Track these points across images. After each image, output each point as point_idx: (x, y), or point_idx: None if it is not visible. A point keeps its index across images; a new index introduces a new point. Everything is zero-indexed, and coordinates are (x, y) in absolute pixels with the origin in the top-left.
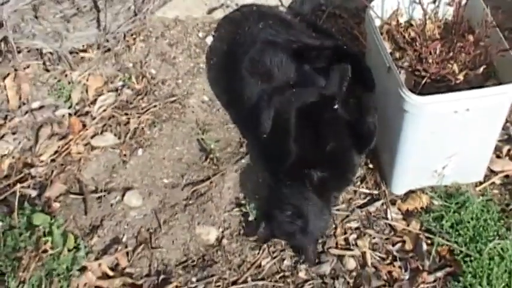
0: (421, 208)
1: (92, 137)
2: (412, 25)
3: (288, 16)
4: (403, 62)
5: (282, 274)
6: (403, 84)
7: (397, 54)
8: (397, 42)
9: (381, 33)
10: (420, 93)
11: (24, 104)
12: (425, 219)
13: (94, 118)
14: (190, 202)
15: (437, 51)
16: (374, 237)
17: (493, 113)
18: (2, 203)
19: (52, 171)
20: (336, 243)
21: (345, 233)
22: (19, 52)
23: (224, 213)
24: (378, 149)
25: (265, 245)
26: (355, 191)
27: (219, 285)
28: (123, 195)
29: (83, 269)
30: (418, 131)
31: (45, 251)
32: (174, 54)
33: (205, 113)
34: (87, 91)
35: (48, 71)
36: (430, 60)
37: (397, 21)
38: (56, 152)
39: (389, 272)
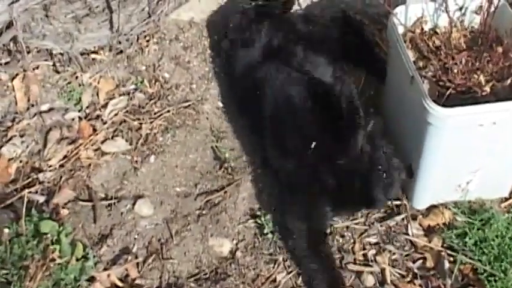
0: (444, 224)
1: (102, 142)
2: (437, 33)
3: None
4: (427, 72)
5: None
6: (426, 95)
7: (421, 64)
8: (420, 50)
9: (404, 41)
10: (444, 105)
11: (32, 106)
12: (447, 235)
13: (105, 122)
14: (203, 212)
15: (463, 62)
16: (394, 254)
17: None
18: (9, 208)
19: (61, 177)
20: (354, 259)
21: (364, 249)
22: (28, 52)
23: (238, 225)
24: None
25: (280, 259)
26: None
27: None
28: (133, 204)
29: (92, 280)
30: (441, 144)
31: (52, 259)
32: (189, 58)
33: (220, 120)
34: (98, 94)
35: (58, 72)
36: (456, 71)
37: (422, 28)
38: (65, 156)
39: None
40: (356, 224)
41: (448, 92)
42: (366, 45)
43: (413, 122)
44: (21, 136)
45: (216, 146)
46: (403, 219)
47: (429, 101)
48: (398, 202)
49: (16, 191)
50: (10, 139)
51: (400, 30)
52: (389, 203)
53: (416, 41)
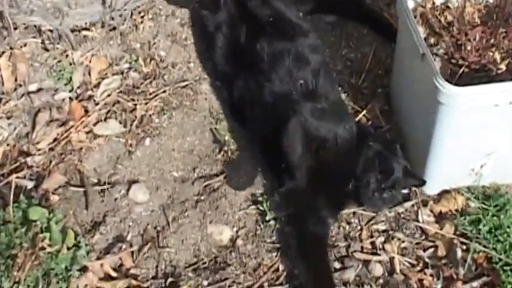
0: (456, 210)
1: (94, 124)
2: (449, 8)
3: None
4: (439, 49)
5: None
6: (438, 73)
7: (432, 40)
8: (432, 26)
9: (414, 17)
10: (457, 84)
11: (20, 86)
12: (460, 222)
13: (97, 103)
14: (201, 198)
15: (477, 38)
16: (403, 241)
17: None
18: None
19: (50, 161)
20: (362, 247)
21: (371, 236)
22: (15, 29)
23: (239, 211)
24: (408, 145)
25: (283, 248)
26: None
27: None
28: (128, 189)
29: (84, 269)
30: (453, 125)
31: (42, 248)
32: (186, 35)
33: (219, 100)
34: (89, 73)
35: (47, 50)
36: (469, 48)
37: (433, 3)
38: (54, 139)
39: (420, 280)
40: (363, 210)
41: (461, 70)
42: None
43: (423, 102)
44: (8, 118)
45: (215, 128)
46: (413, 205)
47: (441, 80)
48: (407, 191)
49: (3, 176)
50: None
51: (410, 4)
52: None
53: (427, 16)
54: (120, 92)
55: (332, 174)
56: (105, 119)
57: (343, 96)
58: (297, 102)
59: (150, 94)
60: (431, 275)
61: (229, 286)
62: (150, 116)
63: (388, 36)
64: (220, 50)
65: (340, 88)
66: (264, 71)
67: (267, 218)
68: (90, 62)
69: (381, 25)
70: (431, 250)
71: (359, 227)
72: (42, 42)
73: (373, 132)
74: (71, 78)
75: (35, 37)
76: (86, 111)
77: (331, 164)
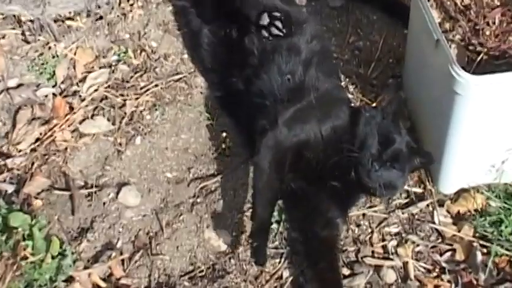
0: (475, 210)
1: (80, 122)
2: None
3: None
4: (455, 35)
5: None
6: (454, 61)
7: (447, 25)
8: (447, 10)
9: (428, 0)
10: (475, 73)
11: None
12: (480, 223)
13: (83, 99)
14: (198, 201)
15: (497, 21)
16: (418, 245)
17: None
18: None
19: (32, 163)
20: (372, 252)
21: (383, 240)
22: None
23: (238, 215)
24: (422, 139)
25: (286, 253)
26: None
27: None
28: (117, 192)
29: (70, 280)
30: (471, 117)
31: (24, 257)
32: (179, 24)
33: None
34: (74, 67)
35: (27, 42)
36: (488, 32)
37: None
38: (37, 139)
39: (437, 287)
40: (374, 211)
41: (479, 58)
42: None
43: (438, 92)
44: None
45: (212, 125)
46: (428, 205)
47: (457, 68)
48: (421, 190)
49: None
50: None
51: None
52: (407, 187)
53: None
54: (108, 86)
55: (328, 170)
56: (92, 116)
57: (350, 86)
58: (279, 105)
59: (141, 88)
60: (448, 281)
61: None
62: (141, 112)
63: (401, 17)
64: (208, 48)
65: (342, 76)
66: (253, 66)
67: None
68: (75, 54)
69: (392, 5)
70: (448, 254)
71: (369, 230)
72: (22, 34)
73: (366, 111)
74: (54, 72)
75: (14, 28)
76: (71, 108)
77: (323, 161)
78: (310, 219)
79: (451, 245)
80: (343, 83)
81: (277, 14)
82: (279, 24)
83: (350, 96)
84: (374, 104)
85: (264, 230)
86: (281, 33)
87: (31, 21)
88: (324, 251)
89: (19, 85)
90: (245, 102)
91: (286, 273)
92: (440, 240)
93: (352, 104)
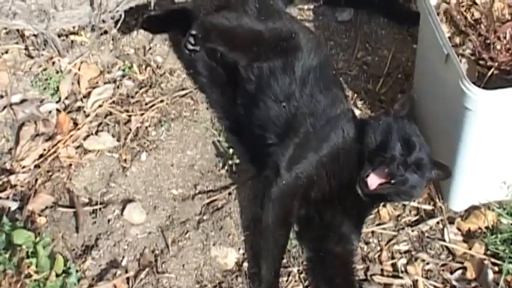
0: (486, 228)
1: (84, 139)
2: (475, 4)
3: None
4: (465, 49)
5: None
6: (464, 76)
7: (457, 40)
8: (457, 25)
9: (438, 14)
10: (485, 87)
11: (1, 97)
12: (491, 241)
13: (87, 115)
14: (204, 218)
15: (508, 36)
16: (428, 263)
17: None
18: None
19: (36, 180)
20: (382, 270)
21: (393, 258)
22: None
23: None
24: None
25: (295, 271)
26: (404, 206)
27: None
28: (122, 209)
29: None
30: (482, 133)
31: (28, 275)
32: None
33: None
34: (78, 82)
35: (31, 57)
36: (499, 47)
37: None
38: (41, 156)
39: None
40: (383, 229)
41: (489, 72)
42: None
43: (448, 108)
44: None
45: (218, 141)
46: (438, 222)
47: (467, 83)
48: (431, 207)
49: None
50: None
51: (433, 1)
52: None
53: (452, 13)
54: (113, 102)
55: (335, 191)
56: (97, 132)
57: (359, 102)
58: (278, 145)
59: (146, 104)
60: None
61: None
62: (146, 128)
63: (409, 24)
64: (206, 73)
65: (351, 92)
66: (251, 94)
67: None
68: (79, 69)
69: (400, 12)
70: (459, 272)
71: (378, 248)
72: (26, 49)
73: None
74: (58, 87)
75: (17, 43)
76: (75, 124)
77: (329, 186)
78: (323, 236)
79: (462, 263)
80: (351, 99)
81: (193, 32)
82: (191, 39)
83: (358, 112)
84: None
85: None
86: (196, 48)
87: (35, 35)
88: (339, 267)
89: (22, 101)
90: (247, 127)
91: None
92: (450, 258)
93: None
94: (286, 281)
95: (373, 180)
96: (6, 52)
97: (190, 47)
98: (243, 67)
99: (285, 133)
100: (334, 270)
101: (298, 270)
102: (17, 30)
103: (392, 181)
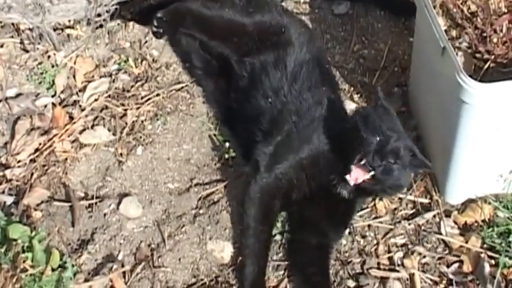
0: (483, 221)
1: (80, 133)
2: None
3: None
4: (461, 42)
5: None
6: (461, 69)
7: (454, 33)
8: (453, 18)
9: (434, 7)
10: (482, 80)
11: None
12: (487, 234)
13: (83, 109)
14: (200, 212)
15: (504, 29)
16: (424, 256)
17: None
18: None
19: (32, 174)
20: (378, 264)
21: (389, 251)
22: None
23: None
24: (428, 149)
25: (289, 264)
26: (400, 200)
27: None
28: (118, 203)
29: None
30: (479, 126)
31: (24, 270)
32: None
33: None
34: (74, 76)
35: (26, 51)
36: (495, 40)
37: None
38: (36, 150)
39: None
40: (380, 222)
41: (486, 65)
42: None
43: (445, 101)
44: None
45: (214, 135)
46: (434, 216)
47: (464, 76)
48: (427, 201)
49: None
50: None
51: None
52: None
53: (448, 6)
54: (109, 96)
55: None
56: (92, 126)
57: (355, 96)
58: (260, 143)
59: (142, 98)
60: None
61: None
62: (142, 122)
63: (405, 13)
64: (201, 66)
65: (347, 86)
66: (243, 89)
67: (272, 233)
68: (74, 63)
69: (395, 2)
70: (455, 265)
71: (375, 241)
72: (21, 42)
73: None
74: (53, 81)
75: (12, 36)
76: (71, 118)
77: (309, 185)
78: (301, 228)
79: (459, 256)
80: (347, 92)
81: (158, 15)
82: (155, 22)
83: (354, 106)
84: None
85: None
86: (159, 31)
87: (30, 29)
88: (314, 258)
89: (18, 95)
90: (240, 121)
91: (289, 286)
92: (447, 251)
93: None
94: (282, 275)
95: (356, 175)
96: (2, 46)
97: (154, 29)
98: (236, 62)
99: (270, 130)
100: (308, 260)
101: None
102: (12, 24)
103: (372, 172)
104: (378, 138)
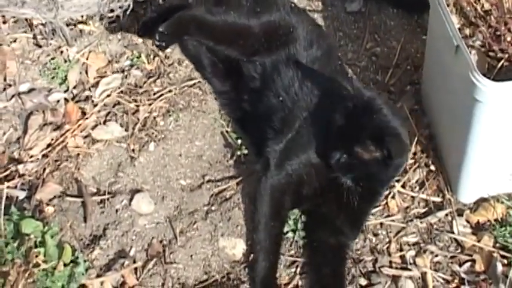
0: (495, 220)
1: (93, 128)
2: None
3: None
4: (475, 41)
5: None
6: (474, 68)
7: (467, 31)
8: (467, 16)
9: (447, 5)
10: (495, 79)
11: (10, 86)
12: (500, 233)
13: (96, 105)
14: (212, 208)
15: None
16: (436, 255)
17: None
18: None
19: (44, 169)
20: (390, 262)
21: (401, 250)
22: (4, 23)
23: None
24: (441, 148)
25: (303, 263)
26: (413, 198)
27: None
28: (130, 199)
29: None
30: (492, 125)
31: (36, 265)
32: None
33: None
34: (87, 72)
35: (39, 46)
36: (509, 38)
37: None
38: (49, 145)
39: None
40: (392, 220)
41: (500, 64)
42: None
43: (458, 100)
44: None
45: (227, 131)
46: (447, 214)
47: (478, 75)
48: (440, 199)
49: None
50: None
51: None
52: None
53: (462, 4)
54: (121, 92)
55: (328, 187)
56: (105, 121)
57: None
58: (271, 140)
59: (154, 94)
60: None
61: None
62: (155, 118)
63: (418, 9)
64: (211, 70)
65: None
66: (255, 90)
67: (285, 230)
68: (87, 59)
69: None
70: (468, 265)
71: (387, 240)
72: (34, 38)
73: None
74: (66, 77)
75: (26, 32)
76: (83, 113)
77: (321, 184)
78: (317, 227)
79: (471, 255)
80: None
81: (160, 29)
82: (157, 36)
83: None
84: None
85: (268, 284)
86: (162, 44)
87: (43, 24)
88: (330, 257)
89: (31, 90)
90: (252, 120)
91: (302, 282)
92: (459, 250)
93: None
94: (294, 272)
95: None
96: (15, 41)
97: (157, 43)
98: (245, 64)
99: (281, 128)
100: (324, 260)
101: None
102: (26, 19)
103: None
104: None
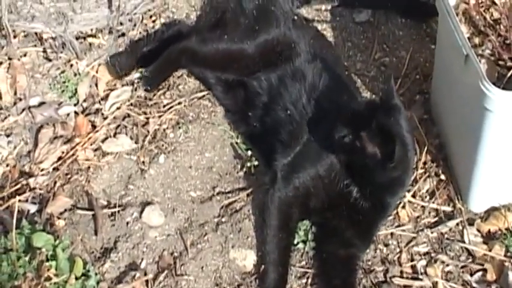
0: (507, 229)
1: (103, 141)
2: (495, 4)
3: None
4: (484, 50)
5: None
6: (484, 77)
7: (477, 40)
8: (476, 25)
9: (457, 14)
10: (505, 88)
11: (20, 100)
12: (511, 242)
13: (105, 118)
14: (222, 220)
15: None
16: (448, 265)
17: None
18: None
19: (55, 182)
20: (401, 272)
21: (412, 260)
22: (14, 37)
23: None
24: (451, 157)
25: (313, 274)
26: (423, 208)
27: None
28: (141, 212)
29: None
30: (502, 134)
31: (48, 278)
32: None
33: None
34: (96, 85)
35: (49, 60)
36: None
37: None
38: (59, 158)
39: None
40: (402, 230)
41: (509, 73)
42: None
43: (468, 109)
44: (8, 136)
45: (236, 143)
46: (457, 224)
47: (487, 84)
48: (450, 209)
49: (3, 200)
50: None
51: (452, 1)
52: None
53: (471, 13)
54: (131, 104)
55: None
56: (115, 134)
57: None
58: (278, 153)
59: (164, 106)
60: None
61: None
62: (164, 130)
63: (426, 15)
64: (218, 88)
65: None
66: (262, 105)
67: (296, 241)
68: (97, 72)
69: (415, 5)
70: (479, 274)
71: (398, 250)
72: (44, 51)
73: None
74: (76, 90)
75: (35, 45)
76: (94, 126)
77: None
78: (327, 238)
79: (482, 264)
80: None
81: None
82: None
83: None
84: None
85: None
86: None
87: (53, 38)
88: (340, 269)
89: (41, 103)
90: (261, 134)
91: None
92: (470, 260)
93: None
94: (305, 283)
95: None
96: (25, 55)
97: (143, 87)
98: (250, 81)
99: (289, 141)
100: (335, 271)
101: None
102: (35, 33)
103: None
104: None
